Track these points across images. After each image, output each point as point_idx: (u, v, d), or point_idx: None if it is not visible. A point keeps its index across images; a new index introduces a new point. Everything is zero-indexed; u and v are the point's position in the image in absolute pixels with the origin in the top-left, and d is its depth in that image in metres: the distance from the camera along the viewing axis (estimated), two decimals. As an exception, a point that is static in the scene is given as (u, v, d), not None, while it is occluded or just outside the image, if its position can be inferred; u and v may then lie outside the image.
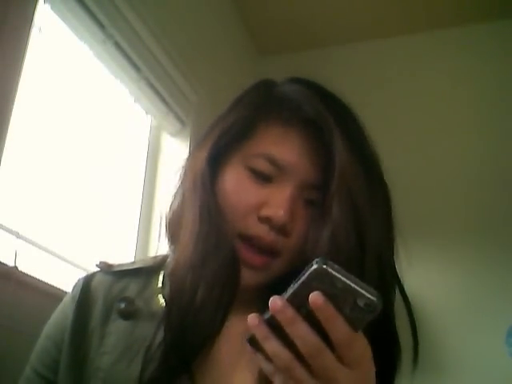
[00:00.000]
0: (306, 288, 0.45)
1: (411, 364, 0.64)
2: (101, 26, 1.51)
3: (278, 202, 0.61)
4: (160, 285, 0.68)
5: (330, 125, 0.61)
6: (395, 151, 2.14)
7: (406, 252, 0.66)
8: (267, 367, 0.48)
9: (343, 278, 0.44)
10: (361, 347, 0.47)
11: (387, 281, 0.62)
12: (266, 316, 0.47)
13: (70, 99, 1.48)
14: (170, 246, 0.69)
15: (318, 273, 0.44)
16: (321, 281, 0.44)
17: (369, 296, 0.44)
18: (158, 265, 0.71)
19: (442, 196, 2.22)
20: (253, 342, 0.48)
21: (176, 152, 1.91)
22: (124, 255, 1.68)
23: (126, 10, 1.57)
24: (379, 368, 0.60)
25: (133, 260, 0.71)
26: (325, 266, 0.44)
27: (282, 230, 0.61)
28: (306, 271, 0.45)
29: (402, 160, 2.20)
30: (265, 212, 0.61)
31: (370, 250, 0.58)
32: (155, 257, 0.73)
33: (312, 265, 0.45)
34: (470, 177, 2.22)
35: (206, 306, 0.58)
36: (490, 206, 2.14)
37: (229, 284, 0.60)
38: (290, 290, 0.46)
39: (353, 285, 0.44)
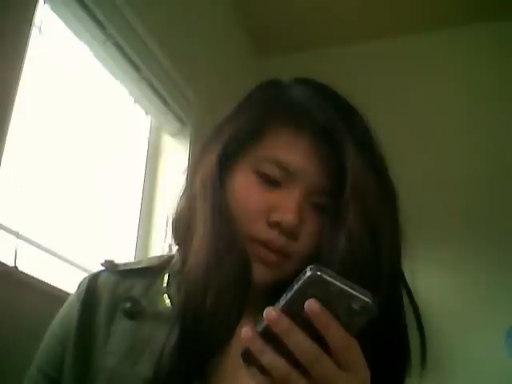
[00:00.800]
0: (301, 296, 0.45)
1: (420, 365, 0.64)
2: (101, 26, 1.51)
3: (287, 206, 0.61)
4: (165, 285, 0.67)
5: (341, 131, 0.61)
6: (394, 151, 2.14)
7: (411, 256, 0.66)
8: (263, 381, 0.47)
9: (338, 283, 0.44)
10: (357, 351, 0.47)
11: (398, 286, 0.63)
12: (260, 327, 0.46)
13: (69, 100, 1.48)
14: (176, 247, 0.69)
15: (313, 280, 0.44)
16: (315, 287, 0.44)
17: (364, 298, 0.44)
18: (164, 265, 0.70)
19: (443, 198, 2.22)
20: (246, 356, 0.47)
21: (176, 152, 1.91)
22: (124, 255, 1.68)
23: (126, 11, 1.58)
24: (389, 373, 0.60)
25: (135, 259, 0.72)
26: (319, 273, 0.44)
27: (291, 234, 0.62)
28: (300, 279, 0.45)
29: (405, 161, 2.20)
30: (274, 217, 0.62)
31: (384, 255, 0.59)
32: (161, 256, 0.73)
33: (306, 272, 0.45)
34: (472, 178, 2.22)
35: (220, 308, 0.58)
36: (491, 207, 2.14)
37: (242, 286, 0.60)
38: (284, 299, 0.46)
39: (348, 289, 0.44)
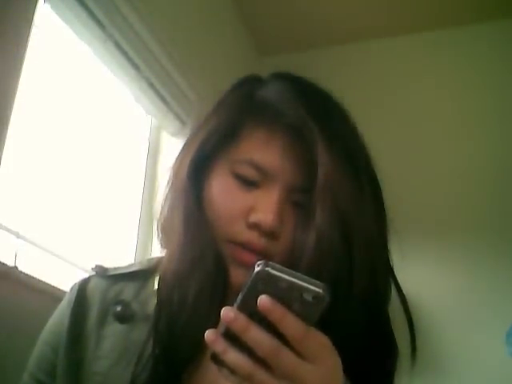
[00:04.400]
0: (253, 293, 0.45)
1: (410, 362, 0.63)
2: (101, 25, 1.51)
3: (265, 206, 0.61)
4: (156, 287, 0.67)
5: (311, 129, 0.60)
6: (395, 150, 2.15)
7: (402, 250, 0.66)
8: (233, 380, 0.48)
9: (286, 277, 0.45)
10: (319, 340, 0.47)
11: (380, 280, 0.62)
12: (222, 328, 0.47)
13: (70, 99, 1.48)
14: (162, 250, 0.69)
15: (261, 276, 0.45)
16: (265, 283, 0.45)
17: (314, 289, 0.45)
18: (154, 267, 0.70)
19: (442, 195, 2.22)
20: (215, 357, 0.48)
21: (176, 152, 1.90)
22: (124, 255, 1.68)
23: (126, 10, 1.57)
24: (375, 369, 0.60)
25: (131, 261, 0.72)
26: (267, 269, 0.45)
27: (271, 234, 0.61)
28: (250, 276, 0.46)
29: (403, 159, 2.20)
30: (253, 218, 0.61)
31: (357, 250, 0.58)
32: (151, 259, 0.73)
33: (254, 269, 0.45)
34: (470, 176, 2.22)
35: (196, 314, 0.58)
36: (490, 205, 2.14)
37: (217, 290, 0.60)
38: (239, 298, 0.46)
39: (296, 281, 0.45)
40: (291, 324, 0.45)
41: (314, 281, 0.45)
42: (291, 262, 0.52)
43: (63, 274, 1.33)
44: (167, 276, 0.61)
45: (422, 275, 2.04)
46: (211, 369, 0.57)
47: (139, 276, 0.69)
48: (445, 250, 2.17)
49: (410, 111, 2.40)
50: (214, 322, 0.55)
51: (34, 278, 1.15)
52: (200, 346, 0.57)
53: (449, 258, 2.16)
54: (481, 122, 2.29)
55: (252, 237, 0.61)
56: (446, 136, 2.31)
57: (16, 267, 1.12)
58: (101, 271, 0.71)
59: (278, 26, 2.50)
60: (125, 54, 1.62)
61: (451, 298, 2.08)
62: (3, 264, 1.09)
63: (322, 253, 0.57)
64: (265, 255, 0.60)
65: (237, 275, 0.61)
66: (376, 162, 0.66)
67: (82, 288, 0.69)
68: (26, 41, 1.17)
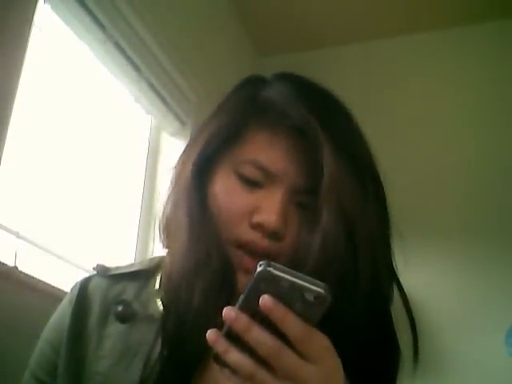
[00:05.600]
0: (255, 293, 0.45)
1: (412, 363, 0.63)
2: (101, 26, 1.52)
3: (269, 207, 0.60)
4: (157, 287, 0.67)
5: (315, 130, 0.60)
6: (395, 150, 2.14)
7: (403, 251, 0.66)
8: (236, 380, 0.47)
9: (288, 277, 0.45)
10: (320, 341, 0.47)
11: (383, 280, 0.61)
12: (225, 329, 0.47)
13: (70, 99, 1.48)
14: (165, 250, 0.69)
15: (263, 276, 0.45)
16: (267, 283, 0.45)
17: (315, 289, 0.45)
18: (155, 267, 0.70)
19: (442, 195, 2.22)
20: (218, 358, 0.48)
21: (176, 152, 1.91)
22: (124, 255, 1.68)
23: (126, 11, 1.58)
24: (378, 371, 0.60)
25: (132, 261, 0.72)
26: (269, 268, 0.45)
27: (275, 235, 0.60)
28: (252, 276, 0.46)
29: (403, 159, 2.20)
30: (256, 218, 0.61)
31: (361, 251, 0.58)
32: (152, 259, 0.73)
33: (256, 269, 0.45)
34: (470, 175, 2.22)
35: (203, 314, 0.57)
36: (490, 205, 2.14)
37: (224, 291, 0.59)
38: (241, 298, 0.46)
39: (298, 281, 0.45)
40: (293, 324, 0.45)
41: (315, 281, 0.45)
42: (296, 264, 0.52)
43: (63, 273, 1.33)
44: (173, 276, 0.61)
45: (422, 275, 2.03)
46: (218, 370, 0.57)
47: (140, 276, 0.69)
48: (445, 251, 2.17)
49: (410, 111, 2.40)
50: (221, 322, 0.56)
51: (34, 277, 1.15)
52: (208, 347, 0.57)
53: (449, 258, 2.16)
54: (482, 122, 2.29)
55: (255, 237, 0.60)
56: (447, 137, 2.31)
57: (16, 267, 1.12)
58: (102, 271, 0.71)
59: (278, 26, 2.50)
60: (125, 54, 1.63)
61: (451, 298, 2.08)
62: (3, 264, 1.09)
63: (328, 254, 0.57)
64: (268, 256, 0.60)
65: (242, 281, 0.60)
66: (377, 162, 0.66)
67: (84, 287, 0.69)
68: (26, 41, 1.17)
